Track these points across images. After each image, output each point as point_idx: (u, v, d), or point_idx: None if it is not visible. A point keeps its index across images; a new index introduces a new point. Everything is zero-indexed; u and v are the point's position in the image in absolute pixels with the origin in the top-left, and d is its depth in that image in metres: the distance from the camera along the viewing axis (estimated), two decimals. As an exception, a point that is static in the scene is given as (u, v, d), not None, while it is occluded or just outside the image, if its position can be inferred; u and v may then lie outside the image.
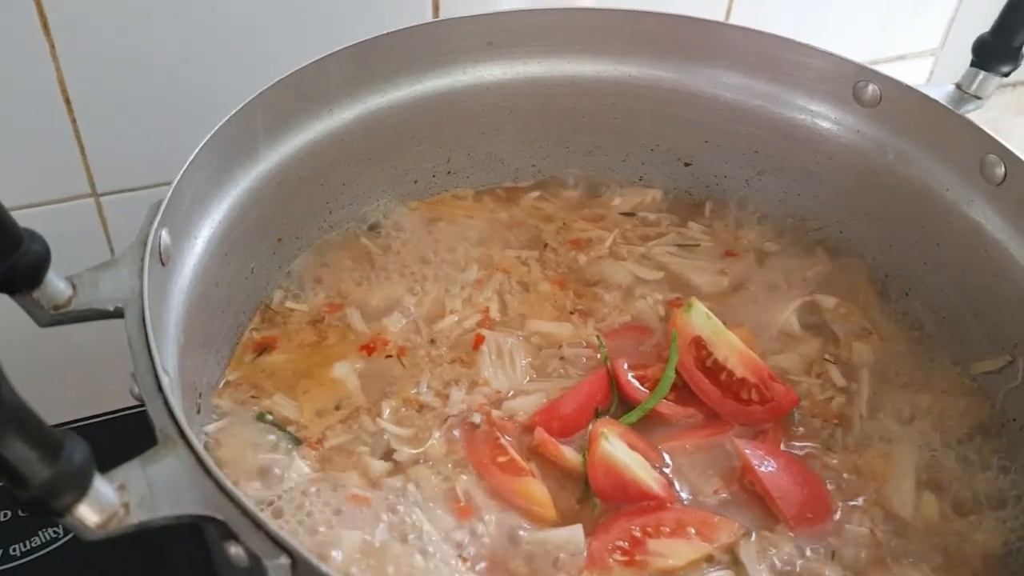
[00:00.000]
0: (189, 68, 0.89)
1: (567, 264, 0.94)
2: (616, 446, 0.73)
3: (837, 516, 0.74)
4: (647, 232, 0.97)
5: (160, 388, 0.53)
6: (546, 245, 0.96)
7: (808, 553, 0.71)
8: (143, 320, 0.56)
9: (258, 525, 0.47)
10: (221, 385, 0.79)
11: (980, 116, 1.46)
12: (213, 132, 0.71)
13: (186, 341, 0.68)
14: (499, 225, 0.97)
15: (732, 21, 1.13)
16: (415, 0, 0.93)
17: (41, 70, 0.83)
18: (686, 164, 0.99)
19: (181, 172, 0.68)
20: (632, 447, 0.75)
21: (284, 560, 0.46)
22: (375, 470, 0.74)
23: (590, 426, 0.78)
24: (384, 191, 0.93)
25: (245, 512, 0.47)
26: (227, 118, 0.72)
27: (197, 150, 0.70)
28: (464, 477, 0.74)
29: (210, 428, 0.74)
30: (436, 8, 0.94)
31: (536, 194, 1.01)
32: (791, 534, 0.72)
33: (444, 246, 0.94)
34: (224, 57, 0.88)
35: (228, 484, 0.48)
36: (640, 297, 0.91)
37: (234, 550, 0.47)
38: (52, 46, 0.82)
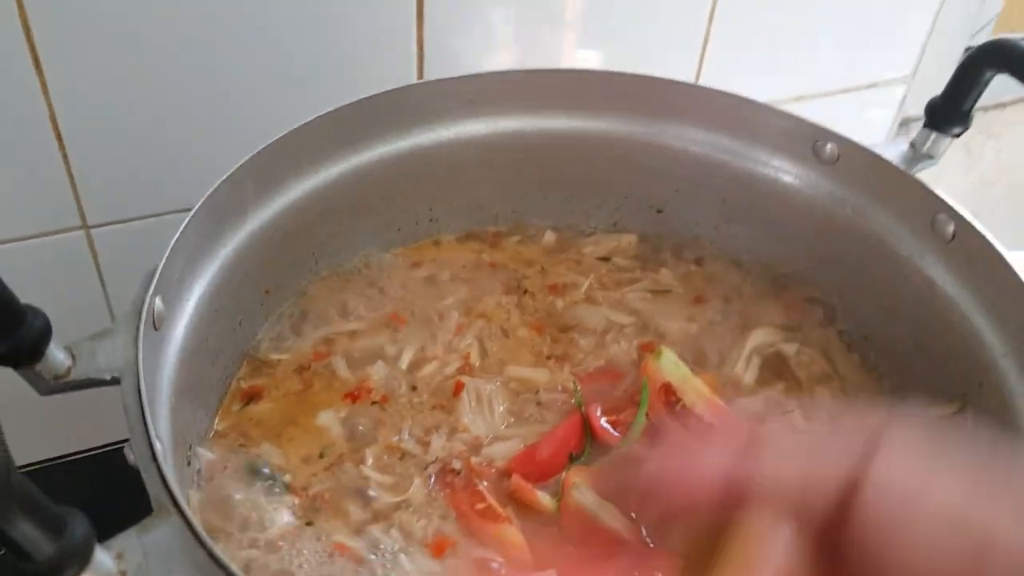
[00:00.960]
0: (178, 110, 0.93)
1: (545, 309, 0.98)
2: (586, 495, 0.77)
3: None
4: (621, 277, 1.02)
5: (154, 457, 0.56)
6: (525, 291, 1.00)
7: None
8: (139, 391, 0.60)
9: (244, 593, 0.50)
10: (211, 436, 0.83)
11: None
12: (204, 198, 0.75)
13: (177, 400, 0.72)
14: (479, 270, 1.01)
15: (705, 69, 1.18)
16: (401, 65, 0.98)
17: (33, 107, 0.87)
18: (658, 211, 1.03)
19: (174, 239, 0.71)
20: (601, 495, 0.79)
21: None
22: (358, 517, 0.77)
23: (564, 472, 0.82)
24: (369, 240, 0.97)
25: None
26: (217, 184, 0.76)
27: (189, 217, 0.73)
28: (444, 522, 0.78)
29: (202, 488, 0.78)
30: (420, 71, 0.99)
31: (515, 239, 1.05)
32: None
33: (426, 292, 0.98)
34: (213, 103, 0.92)
35: (218, 553, 0.52)
36: (614, 342, 0.95)
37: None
38: (44, 84, 0.86)
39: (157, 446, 0.57)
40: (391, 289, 0.97)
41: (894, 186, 0.86)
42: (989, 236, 0.78)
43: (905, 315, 0.88)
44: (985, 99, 1.50)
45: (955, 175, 1.56)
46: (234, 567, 0.50)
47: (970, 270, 0.81)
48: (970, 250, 0.80)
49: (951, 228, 0.82)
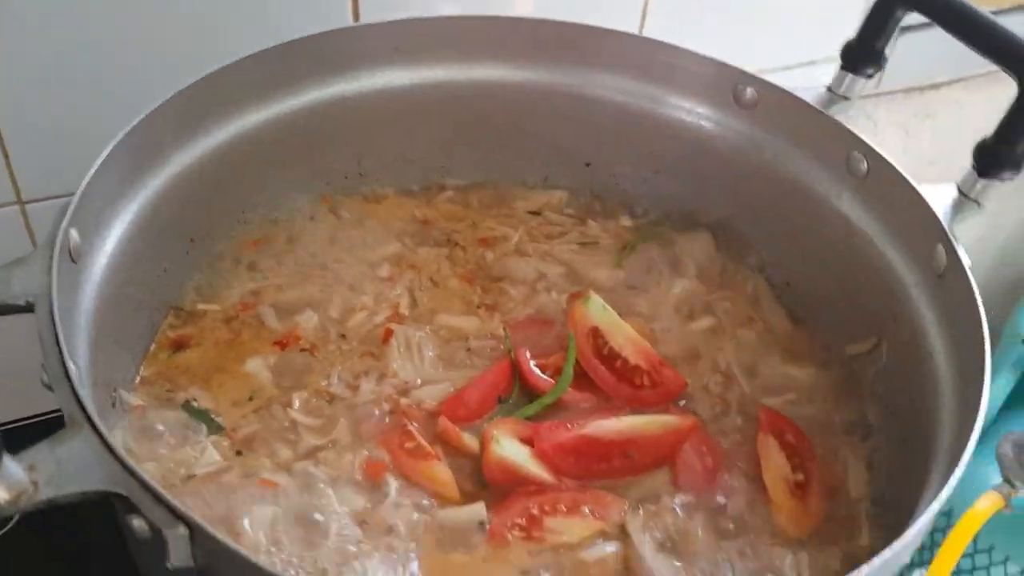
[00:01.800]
0: (107, 73, 0.92)
1: (475, 261, 0.98)
2: (506, 446, 0.78)
3: (716, 485, 0.79)
4: (551, 231, 1.02)
5: (67, 375, 0.56)
6: (456, 244, 1.00)
7: (689, 523, 0.76)
8: (52, 313, 0.59)
9: (158, 498, 0.50)
10: (136, 381, 0.82)
11: (889, 118, 1.54)
12: (120, 136, 0.74)
13: (98, 336, 0.71)
14: (410, 225, 1.01)
15: (646, 32, 1.19)
16: (335, 7, 0.97)
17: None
18: (587, 164, 1.04)
19: (89, 175, 0.71)
20: (524, 440, 0.79)
21: (182, 530, 0.50)
22: (285, 457, 0.77)
23: (486, 421, 0.82)
24: (297, 192, 0.97)
25: (145, 486, 0.51)
26: (135, 123, 0.76)
27: (105, 153, 0.73)
28: (371, 454, 0.78)
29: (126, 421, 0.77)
30: (356, 14, 0.98)
31: (447, 195, 1.05)
32: (674, 506, 0.77)
33: (356, 245, 0.98)
34: (144, 62, 0.91)
35: (130, 462, 0.51)
36: (544, 292, 0.96)
37: (137, 523, 0.51)
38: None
39: (71, 367, 0.57)
40: (320, 242, 0.97)
41: (811, 127, 0.88)
42: (900, 169, 0.80)
43: (824, 256, 0.90)
44: (920, 79, 1.54)
45: (892, 154, 1.59)
46: (144, 474, 0.50)
47: (883, 205, 0.83)
48: (883, 185, 0.82)
49: (864, 165, 0.84)
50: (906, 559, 0.61)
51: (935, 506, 0.57)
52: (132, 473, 0.51)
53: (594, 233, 1.03)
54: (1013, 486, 1.22)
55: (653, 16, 1.19)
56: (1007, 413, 1.56)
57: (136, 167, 0.78)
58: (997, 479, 1.21)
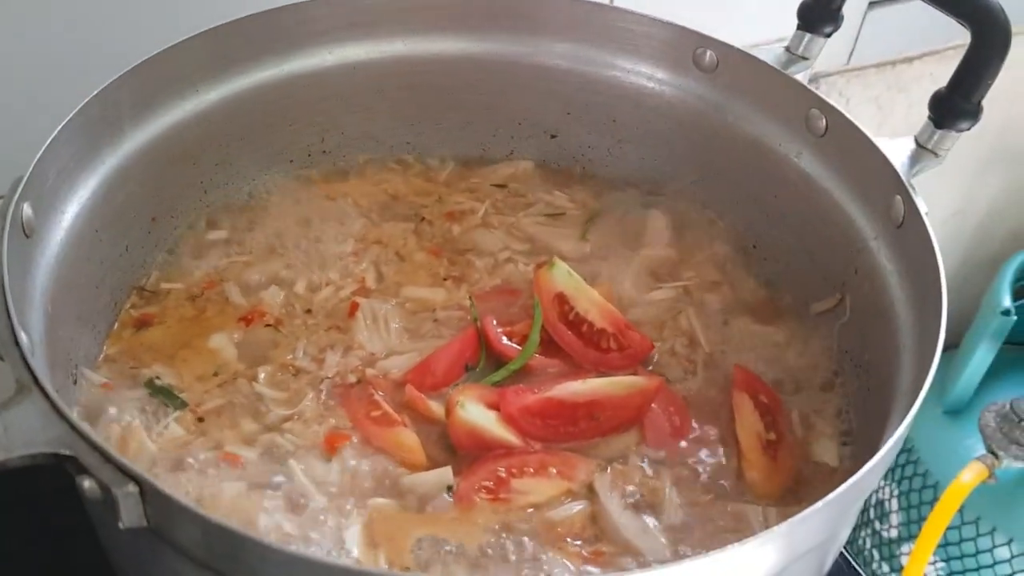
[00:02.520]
0: (62, 50, 0.91)
1: (442, 235, 0.98)
2: (471, 411, 0.77)
3: (684, 444, 0.79)
4: (517, 203, 1.02)
5: (17, 342, 0.56)
6: (423, 219, 1.00)
7: (657, 480, 0.76)
8: (2, 283, 0.59)
9: (107, 457, 0.50)
10: (100, 359, 0.82)
11: (862, 94, 1.54)
12: (76, 110, 0.74)
13: (56, 313, 0.71)
14: (377, 200, 1.01)
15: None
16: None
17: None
18: (552, 136, 1.04)
19: (43, 148, 0.70)
20: (491, 405, 0.79)
21: (132, 488, 0.50)
22: (249, 430, 0.77)
23: (452, 388, 0.82)
24: (260, 169, 0.97)
25: (94, 446, 0.50)
26: (90, 97, 0.75)
27: (59, 127, 0.72)
28: (336, 423, 0.78)
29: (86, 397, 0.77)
30: None
31: (413, 170, 1.05)
32: (642, 464, 0.77)
33: (321, 221, 0.97)
34: (101, 38, 0.91)
35: (79, 423, 0.51)
36: (509, 263, 0.95)
37: (87, 484, 0.51)
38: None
39: (21, 335, 0.56)
40: (285, 219, 0.97)
41: (770, 87, 0.88)
42: (858, 123, 0.80)
43: (787, 215, 0.90)
44: (892, 54, 1.55)
45: (868, 130, 1.59)
46: (93, 434, 0.50)
47: (842, 161, 0.83)
48: (841, 140, 0.83)
49: (823, 122, 0.84)
50: (865, 493, 0.61)
51: (892, 440, 0.57)
52: (80, 434, 0.50)
53: (560, 204, 1.03)
54: (996, 457, 1.23)
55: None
56: (988, 384, 1.57)
57: (92, 143, 0.78)
58: (981, 451, 1.22)
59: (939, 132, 0.77)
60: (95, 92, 0.76)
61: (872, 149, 0.78)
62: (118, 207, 0.81)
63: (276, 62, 0.91)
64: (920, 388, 0.60)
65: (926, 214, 0.72)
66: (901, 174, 0.76)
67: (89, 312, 0.80)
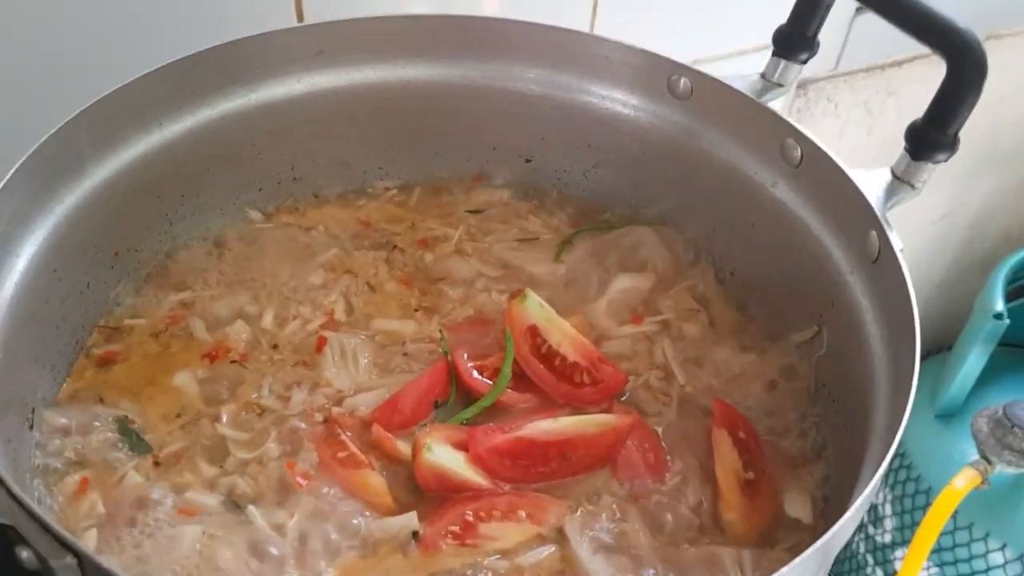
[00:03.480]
0: (22, 84, 0.89)
1: (414, 263, 0.97)
2: (438, 453, 0.76)
3: (659, 482, 0.78)
4: (490, 228, 1.01)
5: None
6: (395, 247, 0.98)
7: (627, 523, 0.75)
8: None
9: (45, 528, 0.48)
10: (60, 397, 0.80)
11: (852, 98, 1.53)
12: (31, 151, 0.73)
13: (8, 356, 0.69)
14: (348, 229, 0.99)
15: (598, 27, 1.17)
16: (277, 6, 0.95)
17: None
18: (527, 160, 1.02)
19: (-5, 191, 0.69)
20: (459, 445, 0.77)
21: (70, 560, 0.48)
22: (210, 474, 0.75)
23: (418, 429, 0.80)
24: (227, 200, 0.95)
25: (32, 516, 0.49)
26: (46, 137, 0.74)
27: (13, 170, 0.71)
28: (300, 466, 0.77)
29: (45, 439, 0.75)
30: (300, 14, 0.96)
31: (385, 197, 1.03)
32: (613, 505, 0.76)
33: (291, 251, 0.96)
34: (52, 76, 0.89)
35: (17, 490, 0.49)
36: (483, 291, 0.94)
37: (25, 554, 0.49)
38: None
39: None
40: (254, 249, 0.95)
41: (745, 115, 0.86)
42: (832, 154, 0.79)
43: (763, 244, 0.88)
44: (882, 57, 1.53)
45: (857, 135, 1.58)
46: (31, 503, 0.48)
47: (818, 192, 0.82)
48: (817, 172, 0.81)
49: (798, 152, 0.83)
50: (841, 542, 0.59)
51: (866, 494, 0.55)
52: (19, 502, 0.49)
53: (534, 229, 1.01)
54: (989, 462, 1.22)
55: (604, 11, 1.17)
56: (981, 389, 1.56)
57: (49, 183, 0.76)
58: (974, 455, 1.21)
59: (915, 164, 0.75)
60: (52, 131, 0.74)
61: (847, 181, 0.77)
62: (78, 245, 0.80)
63: (243, 92, 0.89)
64: (892, 439, 0.59)
65: (901, 250, 0.70)
66: (876, 208, 0.74)
67: (48, 352, 0.78)
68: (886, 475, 1.57)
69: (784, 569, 0.52)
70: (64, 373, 0.81)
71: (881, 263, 0.74)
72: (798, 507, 0.77)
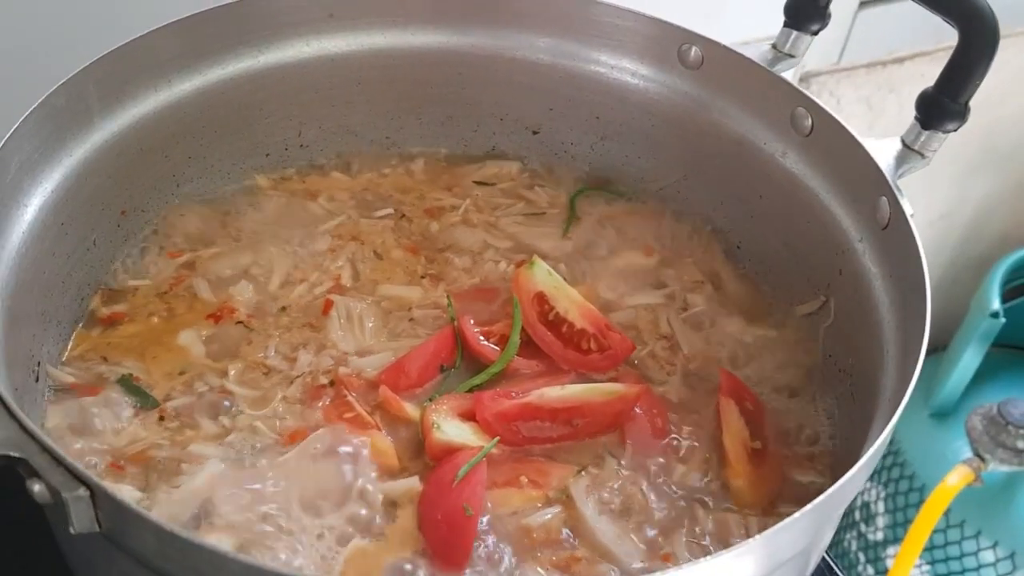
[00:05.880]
0: (31, 37, 0.89)
1: (421, 232, 0.96)
2: (447, 431, 0.75)
3: (665, 447, 0.78)
4: (498, 201, 1.00)
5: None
6: (402, 215, 0.98)
7: (633, 485, 0.75)
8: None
9: (58, 460, 0.48)
10: (66, 356, 0.80)
11: (853, 94, 1.53)
12: (40, 101, 0.72)
13: (16, 309, 0.69)
14: (355, 195, 0.99)
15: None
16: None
17: None
18: (534, 132, 1.02)
19: (4, 140, 0.68)
20: (466, 414, 0.77)
21: (83, 492, 0.48)
22: (216, 429, 0.75)
23: (431, 389, 0.81)
24: (235, 164, 0.95)
25: (45, 448, 0.48)
26: (55, 87, 0.73)
27: (22, 119, 0.70)
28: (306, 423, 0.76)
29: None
30: None
31: (393, 166, 1.03)
32: (618, 469, 0.75)
33: (298, 217, 0.95)
34: (72, 25, 0.88)
35: (30, 424, 0.49)
36: (489, 261, 0.94)
37: (37, 487, 0.49)
38: None
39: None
40: (259, 214, 0.95)
41: (755, 84, 0.86)
42: (844, 123, 0.78)
43: (771, 216, 0.88)
44: (883, 54, 1.54)
45: (858, 131, 1.59)
46: (45, 436, 0.48)
47: (828, 161, 0.82)
48: (827, 140, 0.81)
49: (809, 121, 0.82)
50: (846, 501, 0.59)
51: (872, 450, 0.55)
52: (32, 435, 0.48)
53: (542, 203, 1.00)
54: (983, 460, 1.22)
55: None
56: (976, 387, 1.56)
57: (58, 134, 0.76)
58: (967, 453, 1.21)
59: (926, 133, 0.75)
60: (61, 82, 0.74)
61: (858, 149, 0.77)
62: (85, 200, 0.79)
63: (252, 53, 0.89)
64: (903, 394, 0.59)
65: (911, 216, 0.70)
66: (887, 175, 0.74)
67: (54, 308, 0.78)
68: (879, 472, 1.58)
69: (787, 520, 0.52)
70: (69, 331, 0.81)
71: (891, 229, 0.74)
72: (803, 475, 0.77)
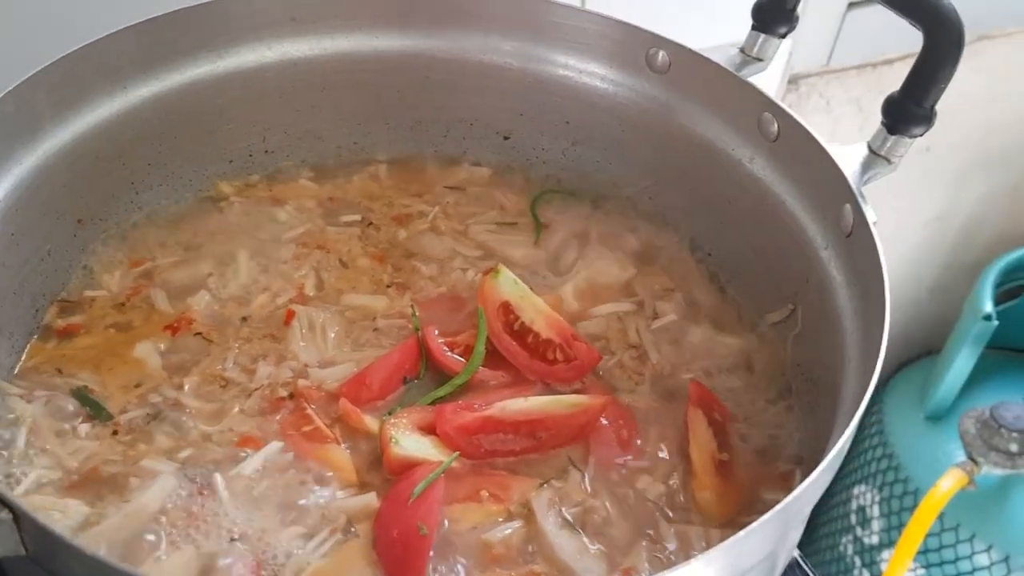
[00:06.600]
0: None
1: (388, 239, 0.95)
2: (405, 445, 0.74)
3: (630, 459, 0.76)
4: (468, 208, 0.99)
5: None
6: (370, 223, 0.96)
7: (594, 500, 0.73)
8: None
9: (-22, 482, 0.47)
10: (19, 369, 0.78)
11: (843, 95, 1.52)
12: (-13, 109, 0.71)
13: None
14: (321, 204, 0.98)
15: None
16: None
17: None
18: (505, 138, 1.01)
19: (-52, 149, 0.67)
20: (426, 428, 0.76)
21: (5, 515, 0.46)
22: (169, 443, 0.74)
23: (393, 400, 0.80)
24: (197, 171, 0.93)
25: (-35, 470, 0.47)
26: (2, 94, 0.72)
27: (-32, 127, 0.69)
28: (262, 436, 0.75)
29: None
30: None
31: (360, 172, 1.01)
32: (582, 482, 0.74)
33: (260, 227, 0.94)
34: (12, 32, 0.87)
35: (-49, 445, 0.47)
36: (457, 269, 0.92)
37: (-39, 510, 0.47)
38: None
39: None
40: (222, 222, 0.93)
41: (723, 89, 0.85)
42: (810, 129, 0.77)
43: (740, 222, 0.87)
44: (873, 55, 1.52)
45: (848, 132, 1.58)
46: (-36, 456, 0.46)
47: (794, 166, 0.80)
48: (793, 146, 0.80)
49: (775, 127, 0.81)
50: (806, 508, 0.59)
51: (827, 461, 0.54)
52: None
53: (513, 210, 0.99)
54: (976, 463, 1.21)
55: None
56: (970, 390, 1.55)
57: (7, 142, 0.74)
58: (961, 456, 1.19)
59: (892, 138, 0.74)
60: (9, 88, 0.72)
61: (823, 155, 0.75)
62: (38, 209, 0.78)
63: (211, 58, 0.88)
64: (859, 405, 0.57)
65: (874, 223, 0.69)
66: (851, 181, 0.73)
67: (6, 320, 0.77)
68: (873, 475, 1.57)
69: (741, 533, 0.51)
70: (23, 343, 0.80)
71: (855, 237, 0.72)
72: (775, 490, 0.76)
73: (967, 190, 1.76)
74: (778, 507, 0.55)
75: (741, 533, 0.53)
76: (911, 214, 1.72)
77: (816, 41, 1.46)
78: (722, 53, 0.86)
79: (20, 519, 0.47)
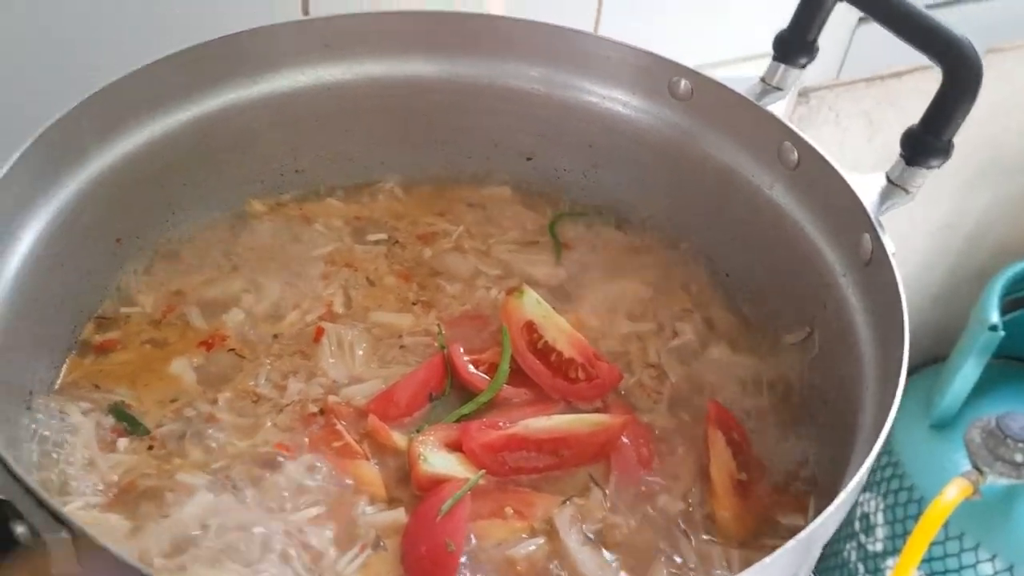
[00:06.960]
0: (29, 71, 0.90)
1: (413, 258, 0.97)
2: (433, 462, 0.76)
3: (651, 477, 0.78)
4: (491, 228, 1.01)
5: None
6: (396, 241, 0.99)
7: (617, 516, 0.76)
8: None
9: (41, 503, 0.49)
10: (58, 384, 0.81)
11: (852, 108, 1.53)
12: (34, 138, 0.73)
13: (7, 339, 0.70)
14: (349, 223, 1.00)
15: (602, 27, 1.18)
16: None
17: None
18: (528, 159, 1.03)
19: (2, 172, 0.69)
20: (453, 444, 0.78)
21: (65, 535, 0.49)
22: (201, 458, 0.76)
23: (420, 418, 0.82)
24: (230, 190, 0.96)
25: (29, 491, 0.49)
26: (49, 123, 0.74)
27: (16, 156, 0.71)
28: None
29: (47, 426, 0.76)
30: (306, 7, 0.97)
31: (388, 191, 1.04)
32: (603, 499, 0.76)
33: (292, 243, 0.96)
34: (58, 63, 0.90)
35: (14, 465, 0.50)
36: (481, 288, 0.94)
37: (20, 529, 0.50)
38: None
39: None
40: (254, 240, 0.96)
41: (744, 118, 0.87)
42: (829, 158, 0.79)
43: (759, 246, 0.89)
44: (882, 68, 1.54)
45: (858, 144, 1.59)
46: (29, 478, 0.49)
47: (813, 194, 0.83)
48: (813, 174, 0.82)
49: (795, 155, 0.83)
50: (824, 538, 0.60)
51: (849, 490, 0.56)
52: (15, 477, 0.49)
53: (534, 230, 1.01)
54: (981, 472, 1.23)
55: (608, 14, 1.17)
56: (975, 400, 1.56)
57: (52, 169, 0.77)
58: (966, 465, 1.21)
59: (910, 169, 0.76)
60: (59, 115, 0.75)
61: (842, 184, 0.78)
62: (80, 231, 0.80)
63: (246, 84, 0.90)
64: (879, 433, 0.59)
65: (893, 254, 0.71)
66: (870, 211, 0.75)
67: (47, 336, 0.79)
68: (878, 483, 1.58)
69: (767, 559, 0.53)
70: (62, 358, 0.82)
71: (873, 266, 0.74)
72: (790, 512, 0.78)
73: (974, 199, 1.77)
74: (802, 533, 0.57)
75: (767, 559, 0.55)
76: (918, 223, 1.73)
77: (826, 55, 1.47)
78: (743, 83, 0.88)
79: (79, 540, 0.49)
